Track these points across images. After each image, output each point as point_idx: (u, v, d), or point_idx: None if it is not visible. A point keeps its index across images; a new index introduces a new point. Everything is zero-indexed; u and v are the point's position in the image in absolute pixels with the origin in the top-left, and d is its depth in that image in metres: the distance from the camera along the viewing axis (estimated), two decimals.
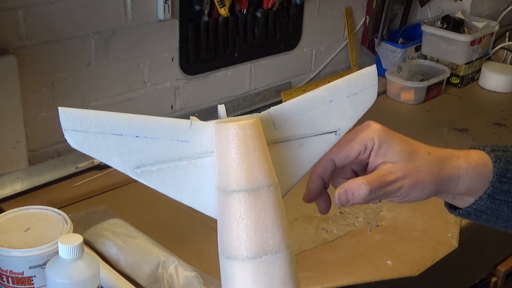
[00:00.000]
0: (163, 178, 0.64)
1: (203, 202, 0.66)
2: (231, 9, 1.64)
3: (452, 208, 0.78)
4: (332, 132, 0.67)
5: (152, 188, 0.64)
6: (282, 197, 0.64)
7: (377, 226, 1.29)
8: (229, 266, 0.61)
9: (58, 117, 0.63)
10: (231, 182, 0.60)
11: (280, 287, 0.60)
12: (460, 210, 0.76)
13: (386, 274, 1.15)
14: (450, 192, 0.73)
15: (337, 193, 0.70)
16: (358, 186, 0.67)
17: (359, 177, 0.68)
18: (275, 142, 0.65)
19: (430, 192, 0.72)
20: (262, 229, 0.59)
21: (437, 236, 1.28)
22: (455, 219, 1.33)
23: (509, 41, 2.28)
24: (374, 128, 0.70)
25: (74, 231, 1.01)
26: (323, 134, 0.67)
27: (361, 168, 0.73)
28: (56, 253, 0.92)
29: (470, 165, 0.72)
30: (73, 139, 0.64)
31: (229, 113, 1.91)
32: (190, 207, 0.67)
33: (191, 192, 0.66)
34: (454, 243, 1.25)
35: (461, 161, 0.72)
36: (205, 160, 0.63)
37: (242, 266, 0.60)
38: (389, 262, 1.18)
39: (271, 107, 0.65)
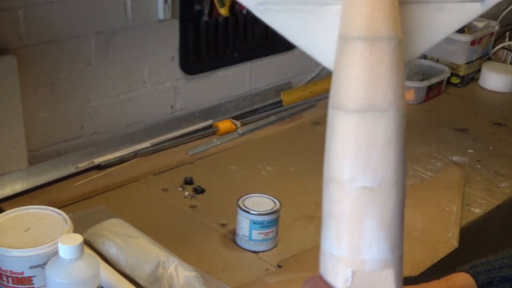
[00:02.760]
0: (286, 19, 0.61)
1: (324, 51, 0.62)
2: (231, 9, 1.64)
3: None
4: (477, 1, 0.60)
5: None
6: (409, 61, 0.59)
7: None
8: (334, 116, 0.57)
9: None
10: (350, 29, 0.56)
11: (382, 148, 0.55)
12: None
13: None
14: None
15: None
16: None
17: None
18: (409, 2, 0.60)
19: None
20: (373, 83, 0.55)
21: (437, 236, 1.28)
22: (455, 219, 1.33)
23: (509, 41, 2.28)
24: None
25: (74, 231, 1.01)
26: (467, 1, 0.60)
27: None
28: (56, 253, 0.92)
29: None
30: None
31: (229, 113, 1.91)
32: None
33: (312, 39, 0.62)
34: (454, 243, 1.25)
35: None
36: (332, 8, 0.58)
37: (346, 118, 0.56)
38: None
39: None
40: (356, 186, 0.56)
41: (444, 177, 1.51)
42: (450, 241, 1.26)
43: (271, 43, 1.82)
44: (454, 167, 1.56)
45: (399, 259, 0.58)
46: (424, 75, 2.04)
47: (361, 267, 0.56)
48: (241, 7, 1.67)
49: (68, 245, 0.90)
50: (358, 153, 0.56)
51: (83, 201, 1.34)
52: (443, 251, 1.23)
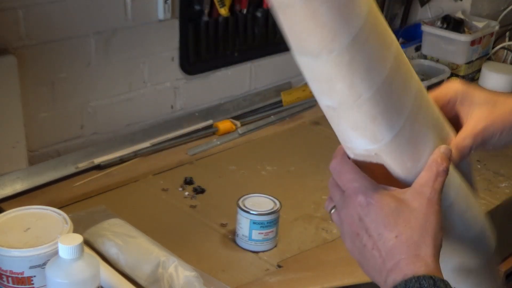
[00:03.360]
0: None
1: None
2: (231, 9, 1.64)
3: None
4: None
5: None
6: None
7: None
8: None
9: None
10: None
11: (327, 83, 0.63)
12: None
13: None
14: None
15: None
16: (463, 140, 0.71)
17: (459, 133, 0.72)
18: None
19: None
20: (304, 34, 0.62)
21: None
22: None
23: (509, 41, 2.28)
24: (454, 86, 0.74)
25: (74, 231, 1.01)
26: None
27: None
28: (56, 253, 0.92)
29: None
30: None
31: (229, 113, 1.91)
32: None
33: None
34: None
35: None
36: None
37: (297, 59, 0.67)
38: None
39: None
40: (322, 104, 0.67)
41: None
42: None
43: (271, 43, 1.82)
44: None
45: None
46: (424, 75, 2.04)
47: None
48: (241, 7, 1.67)
49: (68, 245, 0.90)
50: (312, 84, 0.66)
51: (83, 201, 1.34)
52: None
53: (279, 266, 1.17)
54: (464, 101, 0.74)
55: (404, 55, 0.69)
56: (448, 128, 0.72)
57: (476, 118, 0.73)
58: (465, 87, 0.74)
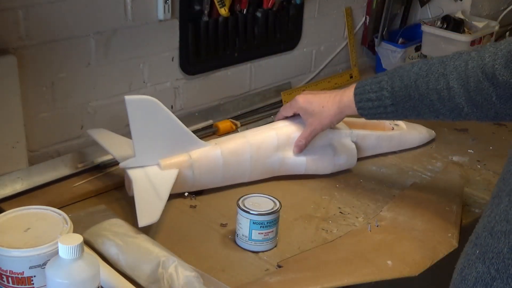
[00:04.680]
0: None
1: None
2: (231, 9, 1.65)
3: None
4: None
5: None
6: None
7: (377, 226, 1.29)
8: None
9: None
10: None
11: None
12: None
13: (386, 274, 1.15)
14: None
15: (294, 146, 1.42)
16: (299, 141, 1.42)
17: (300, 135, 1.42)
18: None
19: (337, 121, 1.40)
20: None
21: (437, 236, 1.28)
22: (455, 219, 1.33)
23: None
24: (297, 104, 1.43)
25: (74, 231, 1.01)
26: None
27: None
28: (56, 253, 0.92)
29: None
30: None
31: (229, 113, 1.92)
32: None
33: None
34: (454, 243, 1.25)
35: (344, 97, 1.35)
36: None
37: None
38: (389, 262, 1.18)
39: None
40: None
41: (444, 177, 1.51)
42: (450, 241, 1.26)
43: (271, 43, 1.82)
44: (454, 167, 1.56)
45: None
46: None
47: None
48: (241, 7, 1.67)
49: (68, 245, 0.90)
50: None
51: (83, 201, 1.34)
52: (443, 251, 1.23)
53: (279, 266, 1.17)
54: (304, 114, 1.40)
55: None
56: None
57: (308, 125, 1.40)
58: (305, 103, 1.40)
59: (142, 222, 1.16)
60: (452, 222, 1.32)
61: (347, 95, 1.33)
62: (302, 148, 1.40)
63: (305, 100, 1.39)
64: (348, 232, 1.28)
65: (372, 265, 1.17)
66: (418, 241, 1.25)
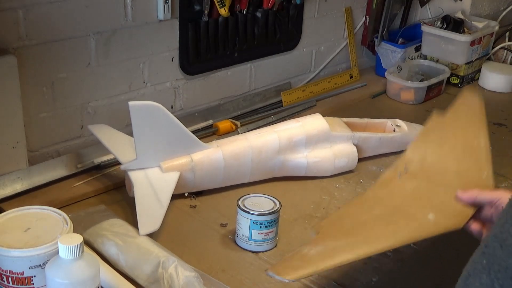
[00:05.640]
0: None
1: None
2: (231, 9, 1.65)
3: None
4: None
5: None
6: None
7: (406, 171, 1.19)
8: None
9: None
10: None
11: None
12: None
13: (430, 230, 1.06)
14: None
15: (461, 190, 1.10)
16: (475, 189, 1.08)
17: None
18: None
19: None
20: None
21: (473, 178, 1.16)
22: (485, 155, 1.19)
23: (509, 41, 2.28)
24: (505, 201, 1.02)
25: (74, 231, 1.01)
26: None
27: None
28: (56, 253, 0.92)
29: None
30: None
31: (229, 113, 1.92)
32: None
33: None
34: (491, 184, 1.14)
35: None
36: None
37: None
38: (430, 215, 1.08)
39: None
40: None
41: (463, 104, 1.35)
42: (486, 183, 1.13)
43: (271, 43, 1.82)
44: (470, 92, 1.38)
45: None
46: (424, 75, 2.04)
47: None
48: (241, 7, 1.67)
49: (68, 245, 0.90)
50: None
51: (83, 201, 1.34)
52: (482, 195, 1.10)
53: (317, 233, 1.11)
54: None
55: None
56: None
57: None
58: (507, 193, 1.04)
59: (143, 230, 1.16)
60: (483, 159, 1.18)
61: None
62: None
63: None
64: (376, 182, 1.20)
65: (413, 221, 1.07)
66: (453, 187, 1.12)
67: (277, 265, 1.05)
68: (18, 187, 1.32)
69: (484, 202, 1.05)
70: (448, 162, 1.20)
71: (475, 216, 1.08)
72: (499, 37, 2.26)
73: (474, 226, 1.06)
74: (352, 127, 1.51)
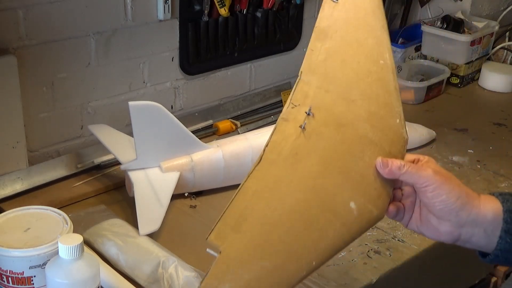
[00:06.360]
0: None
1: None
2: (231, 9, 1.64)
3: (483, 256, 0.87)
4: None
5: None
6: None
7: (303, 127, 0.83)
8: None
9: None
10: None
11: None
12: (489, 256, 0.85)
13: (354, 228, 0.83)
14: (471, 222, 0.83)
15: (380, 159, 0.84)
16: (398, 161, 0.84)
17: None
18: None
19: (455, 202, 0.82)
20: None
21: (385, 123, 0.87)
22: (394, 86, 0.89)
23: (509, 41, 2.28)
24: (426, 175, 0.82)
25: (74, 231, 1.01)
26: None
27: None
28: (56, 253, 0.92)
29: (486, 207, 0.83)
30: None
31: (229, 113, 1.91)
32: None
33: None
34: (403, 133, 0.90)
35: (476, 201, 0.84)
36: None
37: None
38: (352, 205, 0.82)
39: None
40: None
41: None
42: (399, 131, 0.88)
43: (271, 43, 1.82)
44: None
45: None
46: (424, 75, 2.04)
47: None
48: (241, 7, 1.67)
49: (68, 245, 0.90)
50: None
51: (83, 201, 1.34)
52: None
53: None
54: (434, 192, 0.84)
55: None
56: None
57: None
58: (437, 179, 0.82)
59: (143, 230, 1.16)
60: (392, 92, 0.89)
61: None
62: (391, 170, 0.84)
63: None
64: (273, 142, 0.80)
65: (335, 216, 0.80)
66: (369, 147, 0.85)
67: None
68: (18, 187, 1.32)
69: (408, 182, 0.84)
70: (355, 94, 0.86)
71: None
72: (499, 37, 2.26)
73: (390, 208, 0.86)
74: None
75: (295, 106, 0.83)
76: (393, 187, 0.86)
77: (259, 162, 0.78)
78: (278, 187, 0.79)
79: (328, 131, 0.83)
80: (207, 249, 0.77)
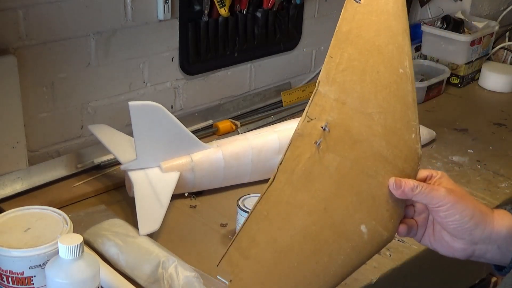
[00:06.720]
0: None
1: None
2: (231, 9, 1.64)
3: (498, 269, 0.87)
4: None
5: None
6: None
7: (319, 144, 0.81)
8: None
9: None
10: None
11: None
12: (505, 269, 0.85)
13: (364, 252, 0.84)
14: (485, 239, 0.82)
15: (393, 180, 0.82)
16: (411, 181, 0.82)
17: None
18: None
19: (468, 221, 0.82)
20: None
21: (399, 138, 0.85)
22: (412, 98, 0.86)
23: (509, 41, 2.28)
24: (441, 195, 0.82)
25: (74, 231, 1.01)
26: None
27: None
28: (56, 253, 0.92)
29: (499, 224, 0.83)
30: None
31: (229, 113, 1.92)
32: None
33: None
34: (418, 148, 0.88)
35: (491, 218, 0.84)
36: None
37: None
38: (362, 228, 0.82)
39: None
40: None
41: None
42: (413, 146, 0.86)
43: (271, 43, 1.82)
44: None
45: None
46: (424, 75, 2.04)
47: None
48: (241, 7, 1.67)
49: (68, 245, 0.90)
50: None
51: (83, 201, 1.34)
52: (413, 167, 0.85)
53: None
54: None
55: None
56: None
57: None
58: (450, 199, 0.81)
59: (143, 231, 1.16)
60: (410, 105, 0.86)
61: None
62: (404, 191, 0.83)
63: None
64: (286, 162, 0.82)
65: (345, 239, 0.81)
66: (383, 165, 0.83)
67: None
68: (18, 187, 1.32)
69: (422, 202, 0.84)
70: (372, 107, 0.83)
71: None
72: (499, 37, 2.26)
73: (401, 228, 0.85)
74: None
75: (311, 120, 0.82)
76: (405, 204, 0.85)
77: (272, 183, 0.79)
78: (290, 210, 0.80)
79: (343, 149, 0.81)
80: (218, 276, 0.83)
